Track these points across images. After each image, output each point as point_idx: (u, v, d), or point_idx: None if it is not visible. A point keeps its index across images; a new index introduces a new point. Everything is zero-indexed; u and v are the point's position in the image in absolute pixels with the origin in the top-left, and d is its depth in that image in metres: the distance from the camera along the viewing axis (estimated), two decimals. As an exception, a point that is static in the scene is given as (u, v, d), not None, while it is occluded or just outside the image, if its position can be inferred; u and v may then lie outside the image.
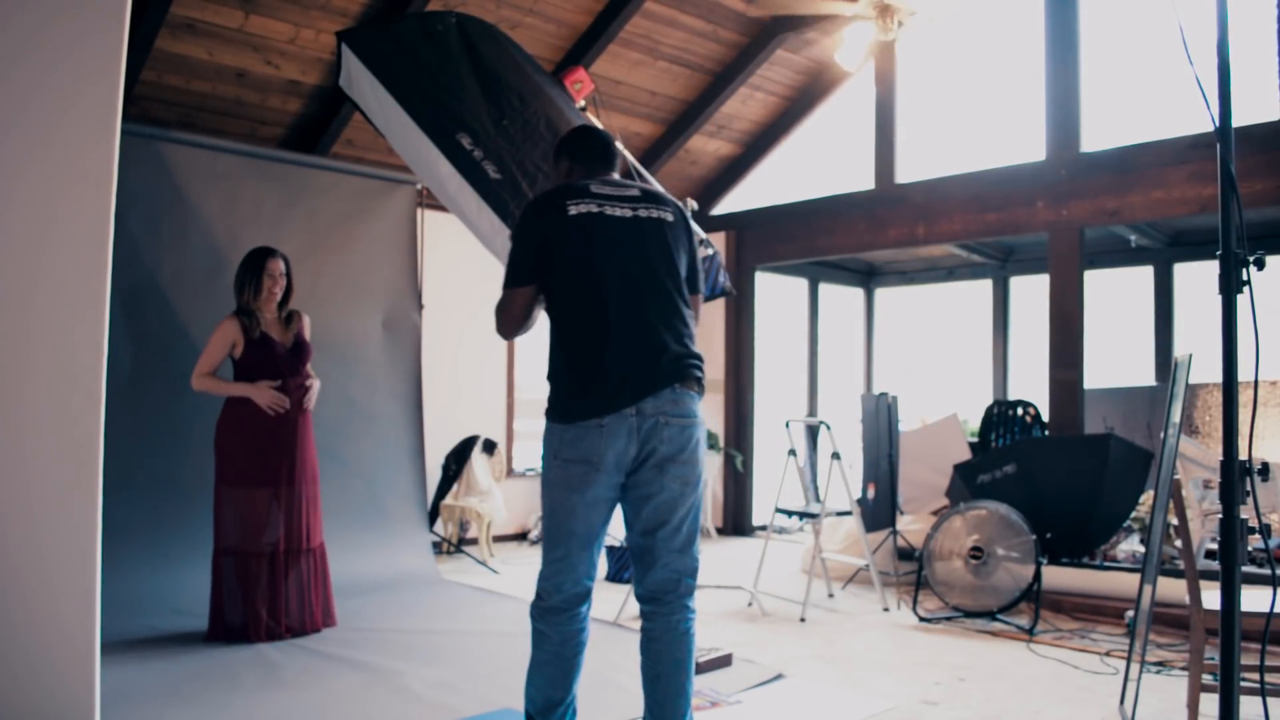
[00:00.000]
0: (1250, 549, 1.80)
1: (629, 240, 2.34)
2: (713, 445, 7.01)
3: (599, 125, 4.51)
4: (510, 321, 2.40)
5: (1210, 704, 2.49)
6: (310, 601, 3.86)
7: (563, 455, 2.28)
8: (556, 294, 2.35)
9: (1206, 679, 2.70)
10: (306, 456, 3.89)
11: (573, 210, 2.31)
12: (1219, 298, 1.80)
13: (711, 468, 6.99)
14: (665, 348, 2.30)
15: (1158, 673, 3.44)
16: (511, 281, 2.37)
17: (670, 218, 2.42)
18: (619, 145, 4.75)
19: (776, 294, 7.61)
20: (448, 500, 5.81)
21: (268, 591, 3.75)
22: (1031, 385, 6.76)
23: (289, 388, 3.82)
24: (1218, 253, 1.80)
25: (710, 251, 4.98)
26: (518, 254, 2.36)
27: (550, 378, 2.36)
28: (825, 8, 4.88)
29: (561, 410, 2.30)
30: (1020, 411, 5.86)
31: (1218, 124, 1.81)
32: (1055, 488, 4.60)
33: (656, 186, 3.02)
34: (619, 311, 2.28)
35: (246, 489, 3.73)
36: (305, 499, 3.85)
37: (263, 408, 3.72)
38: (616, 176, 2.52)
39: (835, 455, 4.64)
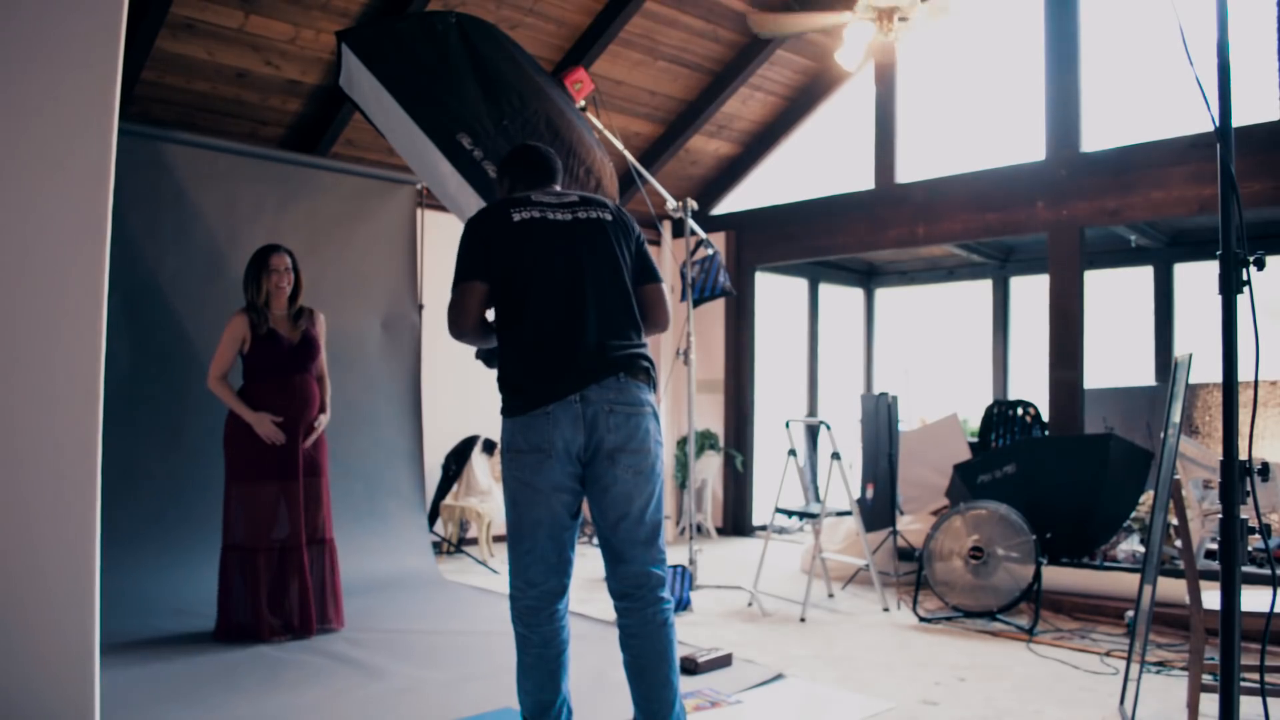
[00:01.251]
0: (1250, 549, 1.80)
1: (570, 240, 2.41)
2: (713, 445, 7.01)
3: (599, 125, 4.52)
4: (462, 318, 2.40)
5: (1210, 704, 2.49)
6: (324, 596, 3.86)
7: (515, 446, 2.34)
8: (502, 295, 2.41)
9: (1206, 679, 2.70)
10: (316, 450, 3.89)
11: (516, 217, 2.41)
12: (1219, 298, 1.80)
13: (711, 468, 6.99)
14: (609, 340, 2.37)
15: (1158, 673, 3.44)
16: (461, 276, 2.40)
17: (609, 217, 2.49)
18: (618, 144, 4.76)
19: (776, 294, 7.61)
20: (448, 500, 5.81)
21: (275, 589, 3.76)
22: (1031, 385, 6.75)
23: (295, 385, 3.82)
24: (1218, 253, 1.80)
25: (710, 251, 4.99)
26: (464, 254, 2.43)
27: (500, 379, 2.41)
28: (824, 22, 4.87)
29: (511, 404, 2.36)
30: (1020, 411, 5.85)
31: (1218, 124, 1.81)
32: (1055, 488, 4.59)
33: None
34: (563, 307, 2.36)
35: (257, 485, 3.74)
36: (315, 492, 3.86)
37: (261, 436, 3.74)
38: (558, 188, 2.61)
39: (835, 455, 4.64)
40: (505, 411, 2.38)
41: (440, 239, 5.55)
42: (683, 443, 7.00)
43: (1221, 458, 1.79)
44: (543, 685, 2.41)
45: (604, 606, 4.30)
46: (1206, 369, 3.48)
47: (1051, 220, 5.39)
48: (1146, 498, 4.71)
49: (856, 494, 4.98)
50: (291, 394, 3.81)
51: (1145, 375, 6.51)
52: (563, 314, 2.36)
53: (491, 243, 2.40)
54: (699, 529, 6.86)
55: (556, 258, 2.38)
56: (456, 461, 5.89)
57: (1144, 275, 6.70)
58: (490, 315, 2.50)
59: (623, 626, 2.40)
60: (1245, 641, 2.82)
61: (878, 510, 5.01)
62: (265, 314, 3.80)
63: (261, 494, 3.74)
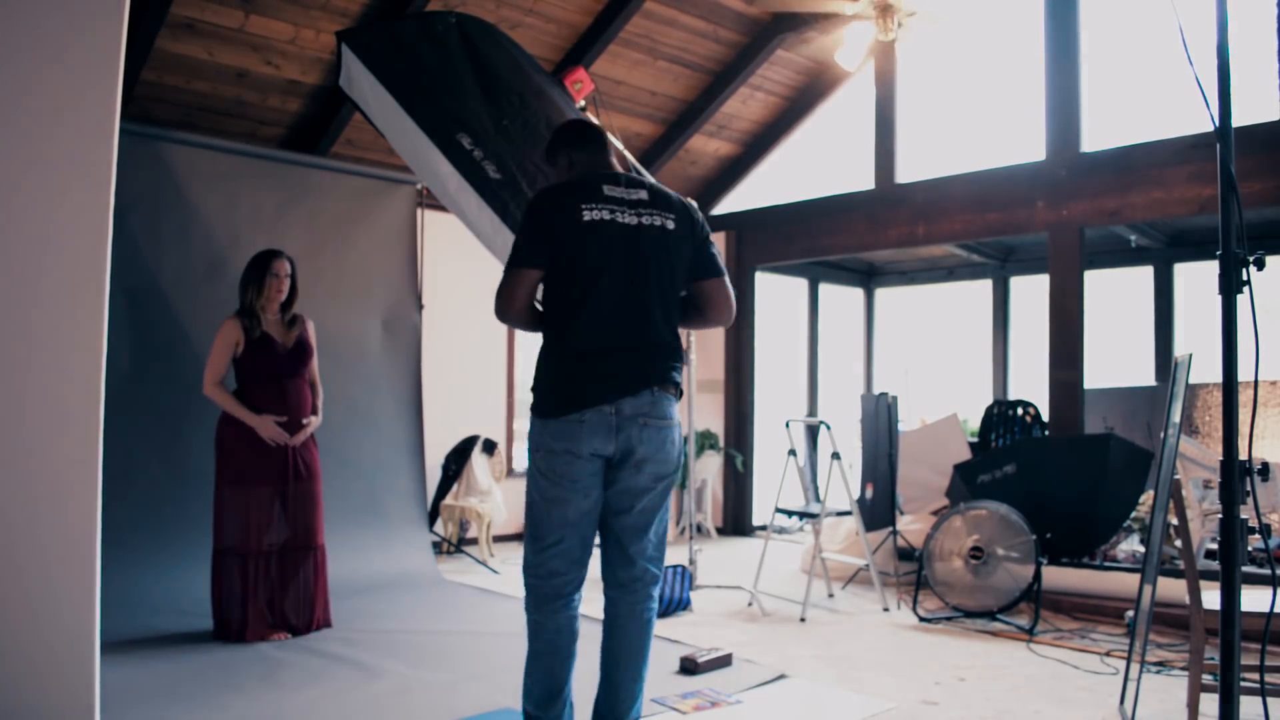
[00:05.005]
0: (1250, 549, 1.80)
1: (630, 249, 2.41)
2: (713, 445, 7.01)
3: (599, 125, 4.52)
4: (510, 304, 2.42)
5: (1210, 704, 2.49)
6: (309, 601, 3.87)
7: (547, 446, 2.39)
8: (554, 292, 2.43)
9: (1206, 679, 2.70)
10: (308, 455, 3.90)
11: (586, 216, 2.38)
12: (1219, 298, 1.80)
13: (711, 468, 6.98)
14: (648, 353, 2.43)
15: (1158, 673, 3.44)
16: (518, 261, 2.39)
17: (672, 225, 2.48)
18: (619, 144, 4.76)
19: (776, 294, 7.61)
20: (448, 500, 5.81)
21: (269, 591, 3.77)
22: (1031, 385, 6.75)
23: (288, 389, 3.83)
24: (1218, 253, 1.80)
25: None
26: (527, 237, 2.40)
27: (537, 377, 2.45)
28: (825, 5, 4.87)
29: (547, 407, 2.39)
30: (1020, 411, 5.85)
31: (1218, 124, 1.81)
32: (1055, 488, 4.59)
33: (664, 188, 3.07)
34: (609, 319, 2.39)
35: (247, 488, 3.74)
36: (307, 497, 3.86)
37: (263, 439, 3.75)
38: (617, 166, 2.59)
39: (835, 455, 4.64)
40: (538, 412, 2.41)
41: (440, 239, 5.56)
42: (683, 443, 7.00)
43: (1221, 458, 1.79)
44: (553, 672, 2.44)
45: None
46: (1206, 369, 3.48)
47: (1051, 220, 5.39)
48: (1146, 498, 4.71)
49: (856, 494, 4.98)
50: (286, 398, 3.82)
51: (1145, 375, 6.51)
52: (607, 325, 2.39)
53: (556, 237, 2.39)
54: (699, 529, 6.86)
55: (611, 268, 2.39)
56: (456, 461, 5.89)
57: (1144, 275, 6.70)
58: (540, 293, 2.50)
59: (609, 615, 2.51)
60: (1245, 641, 2.82)
61: (878, 510, 5.01)
62: (259, 318, 3.81)
63: (255, 498, 3.74)
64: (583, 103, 4.49)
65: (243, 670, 3.35)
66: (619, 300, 2.39)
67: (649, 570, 2.50)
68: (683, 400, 6.13)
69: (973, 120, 6.52)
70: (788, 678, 3.41)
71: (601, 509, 2.47)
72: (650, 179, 2.68)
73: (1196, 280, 6.47)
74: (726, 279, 2.61)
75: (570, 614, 2.44)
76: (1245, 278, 1.78)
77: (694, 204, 2.62)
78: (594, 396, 2.34)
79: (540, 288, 2.47)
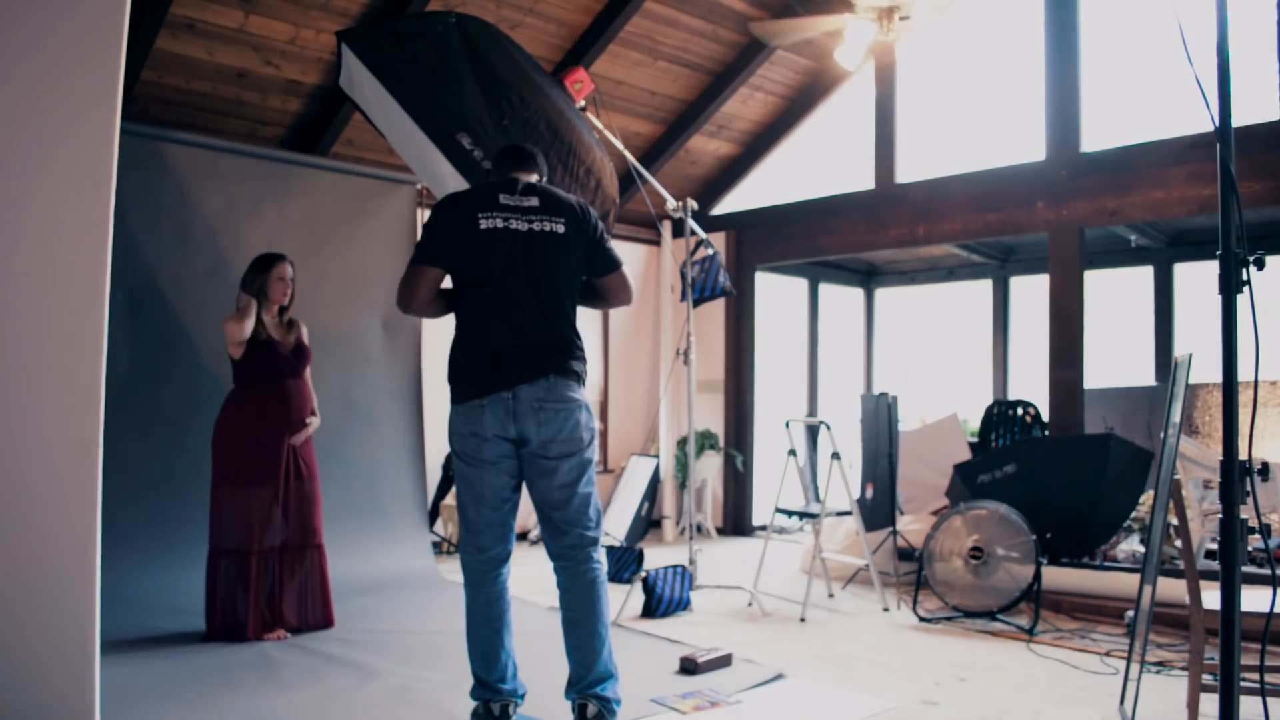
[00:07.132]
0: (1250, 549, 1.80)
1: (524, 254, 2.66)
2: (713, 445, 7.01)
3: (599, 125, 4.52)
4: (410, 294, 2.69)
5: (1210, 704, 2.49)
6: (309, 600, 3.87)
7: (458, 430, 2.67)
8: (458, 293, 2.71)
9: (1206, 679, 2.70)
10: (305, 454, 3.90)
11: (483, 224, 2.64)
12: (1219, 298, 1.80)
13: (711, 468, 6.99)
14: (544, 346, 2.66)
15: (1158, 673, 3.44)
16: (420, 258, 2.69)
17: (563, 229, 2.71)
18: (618, 144, 4.75)
19: (776, 294, 7.61)
20: (448, 500, 5.81)
21: (268, 590, 3.77)
22: (1031, 385, 6.75)
23: (289, 390, 3.84)
24: (1218, 253, 1.80)
25: (710, 251, 4.99)
26: (429, 238, 2.69)
27: (449, 369, 2.72)
28: (824, 26, 4.87)
29: (456, 394, 2.69)
30: (1020, 411, 5.85)
31: (1218, 124, 1.82)
32: (1055, 488, 4.59)
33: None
34: (507, 315, 2.65)
35: (245, 488, 3.74)
36: (305, 496, 3.86)
37: (262, 429, 3.76)
38: (530, 178, 2.82)
39: (835, 455, 4.64)
40: (451, 399, 2.70)
41: (440, 239, 5.55)
42: (683, 443, 7.00)
43: (1221, 458, 1.79)
44: (489, 641, 2.72)
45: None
46: (1206, 369, 3.49)
47: (1051, 220, 5.39)
48: (1146, 498, 4.71)
49: (856, 494, 4.98)
50: (288, 398, 3.83)
51: (1145, 375, 6.50)
52: (505, 321, 2.64)
53: (455, 242, 2.65)
54: (699, 529, 6.86)
55: (506, 271, 2.64)
56: (456, 461, 5.88)
57: (1144, 275, 6.70)
58: (447, 282, 2.75)
59: (559, 584, 2.73)
60: (1245, 641, 2.82)
61: (878, 510, 5.01)
62: (261, 320, 3.81)
63: (254, 497, 3.74)
64: (583, 103, 4.49)
65: (243, 670, 3.35)
66: (516, 301, 2.63)
67: (583, 536, 2.70)
68: (682, 400, 6.12)
69: (972, 120, 6.51)
70: (787, 678, 3.41)
71: (535, 502, 2.72)
72: (548, 186, 2.83)
73: (1196, 280, 6.47)
74: (623, 269, 2.84)
75: (499, 588, 2.74)
76: (1245, 278, 1.78)
77: (585, 204, 2.82)
78: (493, 385, 2.60)
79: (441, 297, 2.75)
